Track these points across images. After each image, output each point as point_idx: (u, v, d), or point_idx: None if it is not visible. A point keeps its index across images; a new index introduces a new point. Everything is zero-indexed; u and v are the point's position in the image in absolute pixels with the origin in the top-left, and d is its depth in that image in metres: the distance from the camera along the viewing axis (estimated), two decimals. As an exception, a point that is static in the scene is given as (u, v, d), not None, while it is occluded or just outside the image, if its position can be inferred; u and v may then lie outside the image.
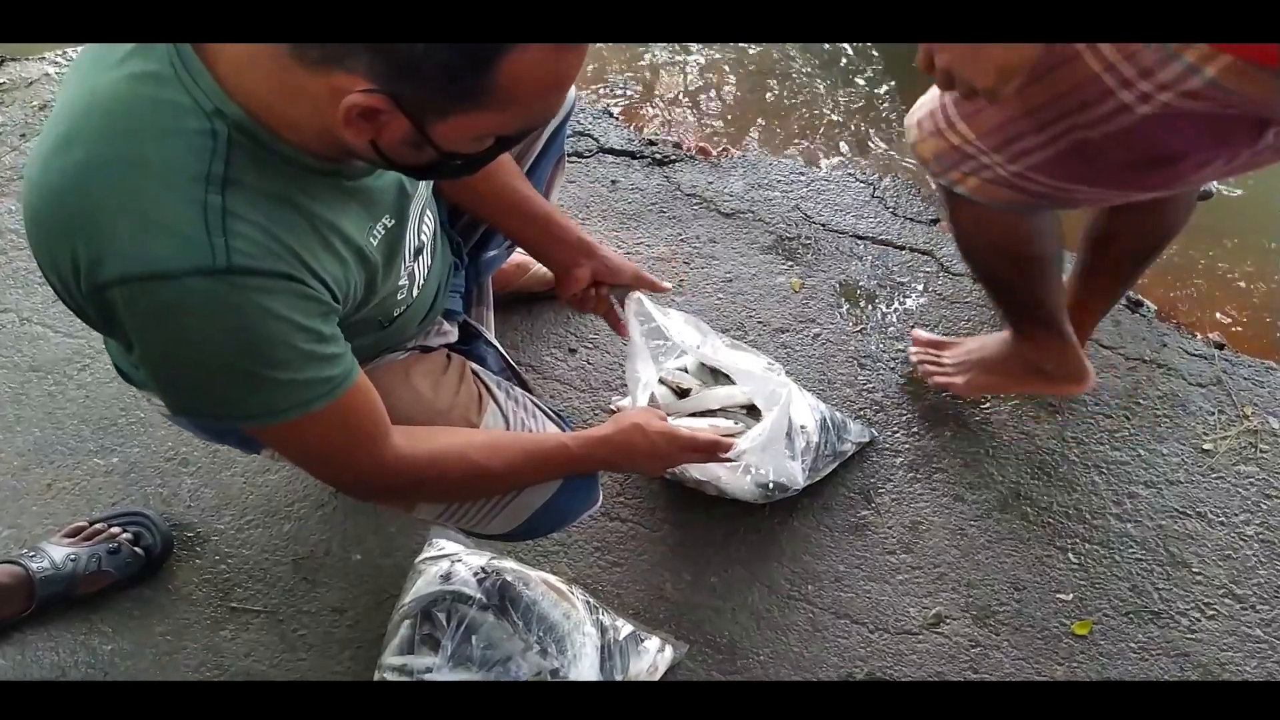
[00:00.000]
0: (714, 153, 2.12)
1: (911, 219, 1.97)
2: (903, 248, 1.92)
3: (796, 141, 2.22)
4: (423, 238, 1.05)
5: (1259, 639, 1.47)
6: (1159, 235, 1.45)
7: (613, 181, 2.02)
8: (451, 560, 1.30)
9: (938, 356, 1.68)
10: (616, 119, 2.18)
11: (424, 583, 1.27)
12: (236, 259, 0.74)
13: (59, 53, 2.27)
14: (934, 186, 1.40)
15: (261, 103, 0.74)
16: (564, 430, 1.23)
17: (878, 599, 1.50)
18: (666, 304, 1.64)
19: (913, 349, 1.72)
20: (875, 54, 2.37)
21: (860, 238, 1.94)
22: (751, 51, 2.40)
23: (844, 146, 2.21)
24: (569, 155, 2.04)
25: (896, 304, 1.83)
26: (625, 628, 1.35)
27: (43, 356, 1.74)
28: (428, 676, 1.19)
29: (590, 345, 1.76)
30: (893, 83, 2.31)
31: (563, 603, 1.29)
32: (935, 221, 1.96)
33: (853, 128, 2.25)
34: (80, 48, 0.95)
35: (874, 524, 1.57)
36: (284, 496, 1.57)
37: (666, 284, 1.38)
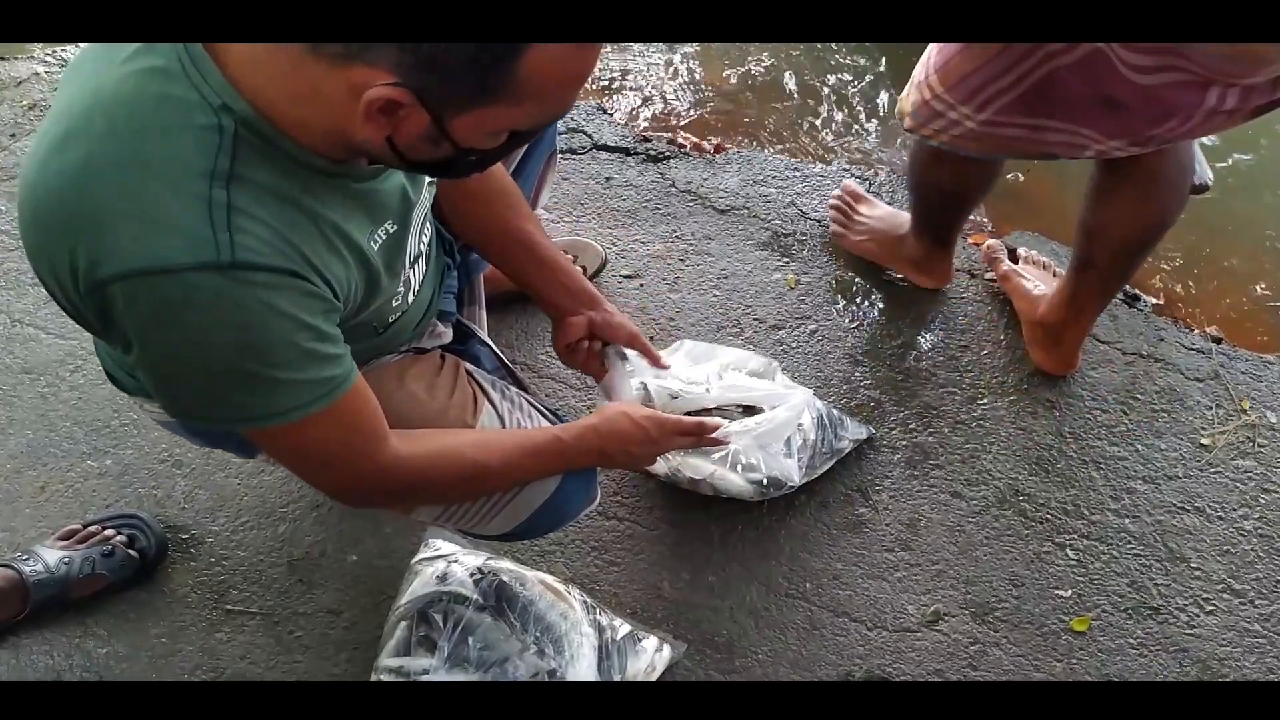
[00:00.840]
0: (709, 149, 2.12)
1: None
2: (899, 243, 1.91)
3: (791, 137, 2.21)
4: (422, 245, 1.04)
5: (1258, 634, 1.47)
6: (1151, 225, 1.45)
7: (607, 178, 2.01)
8: (448, 561, 1.29)
9: (851, 206, 1.87)
10: (610, 115, 2.18)
11: (420, 584, 1.27)
12: (241, 254, 0.73)
13: (48, 52, 2.26)
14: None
15: (270, 100, 0.73)
16: None
17: (876, 596, 1.49)
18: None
19: (834, 193, 1.90)
20: (871, 50, 2.36)
21: (856, 234, 1.93)
22: (746, 47, 2.39)
23: (839, 142, 2.20)
24: (562, 152, 2.03)
25: (893, 300, 1.83)
26: (623, 627, 1.34)
27: (35, 359, 1.72)
28: (425, 678, 1.19)
29: (586, 343, 1.76)
30: (888, 79, 2.30)
31: (560, 603, 1.29)
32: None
33: (848, 124, 2.24)
34: (80, 48, 0.93)
35: (872, 521, 1.56)
36: (279, 498, 1.56)
37: (666, 361, 1.33)
